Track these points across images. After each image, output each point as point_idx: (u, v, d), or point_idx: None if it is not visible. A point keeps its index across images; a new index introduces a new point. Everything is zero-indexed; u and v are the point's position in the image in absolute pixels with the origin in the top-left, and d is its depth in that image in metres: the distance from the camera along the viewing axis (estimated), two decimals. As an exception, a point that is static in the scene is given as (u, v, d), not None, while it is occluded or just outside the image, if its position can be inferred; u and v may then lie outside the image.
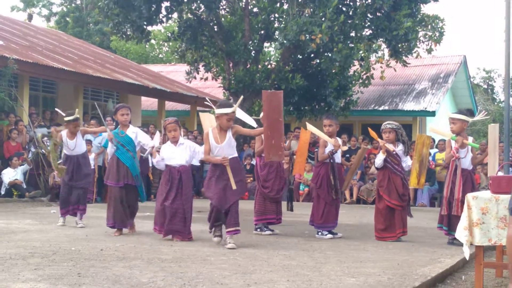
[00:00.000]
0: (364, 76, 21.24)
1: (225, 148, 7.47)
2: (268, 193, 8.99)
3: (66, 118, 9.39)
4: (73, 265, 5.84)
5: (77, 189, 9.49)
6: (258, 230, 9.03)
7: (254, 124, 8.92)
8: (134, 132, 8.72)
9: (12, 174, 14.30)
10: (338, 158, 8.93)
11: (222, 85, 20.67)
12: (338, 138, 9.07)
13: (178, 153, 8.14)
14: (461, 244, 5.65)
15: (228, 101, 7.55)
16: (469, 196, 5.49)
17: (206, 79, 21.80)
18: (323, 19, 17.30)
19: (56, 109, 11.74)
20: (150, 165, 16.07)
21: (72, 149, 9.42)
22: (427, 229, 10.11)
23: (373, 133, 9.23)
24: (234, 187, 7.38)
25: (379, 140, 8.83)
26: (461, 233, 5.47)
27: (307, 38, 17.13)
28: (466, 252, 5.44)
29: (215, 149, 7.47)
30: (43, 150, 12.37)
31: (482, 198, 5.34)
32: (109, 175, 8.64)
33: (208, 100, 9.22)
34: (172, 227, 7.99)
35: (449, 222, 8.09)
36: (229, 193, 7.44)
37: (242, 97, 9.20)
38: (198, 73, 21.52)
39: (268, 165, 9.03)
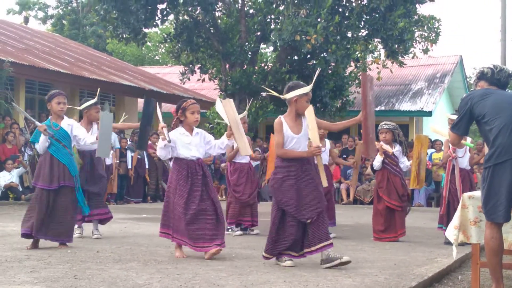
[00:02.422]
0: (361, 77, 21.23)
1: (302, 140, 6.25)
2: (240, 197, 9.01)
3: (86, 104, 8.31)
4: (69, 267, 5.81)
5: (92, 194, 8.28)
6: (229, 230, 9.02)
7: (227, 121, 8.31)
8: (69, 125, 7.41)
9: (8, 177, 14.28)
10: (325, 160, 8.94)
11: (218, 87, 20.66)
12: (327, 140, 9.10)
13: (195, 143, 6.77)
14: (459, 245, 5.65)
15: (297, 81, 6.53)
16: (465, 195, 5.49)
17: (203, 80, 21.80)
18: (318, 19, 17.30)
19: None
20: (147, 166, 16.10)
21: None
22: (424, 229, 10.12)
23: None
24: (325, 183, 6.16)
25: (376, 142, 8.85)
26: (450, 231, 5.49)
27: (303, 38, 17.14)
28: (454, 251, 5.47)
29: (291, 141, 6.18)
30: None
31: (479, 197, 5.33)
32: (40, 175, 7.28)
33: (267, 89, 7.21)
34: (204, 234, 6.50)
35: (449, 222, 8.10)
36: (311, 199, 6.08)
37: (319, 69, 7.69)
38: (193, 75, 21.52)
39: (239, 170, 9.05)
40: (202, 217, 6.51)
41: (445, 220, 8.28)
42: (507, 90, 5.28)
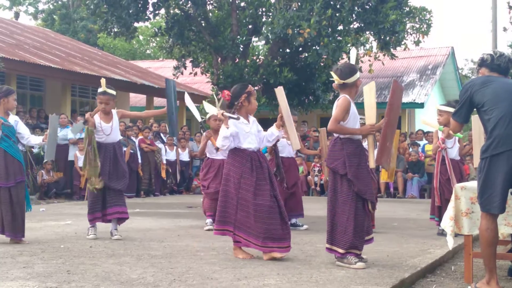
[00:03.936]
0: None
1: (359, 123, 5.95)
2: (206, 190, 8.75)
3: (99, 90, 7.66)
4: (62, 262, 5.81)
5: (113, 190, 7.61)
6: (209, 223, 8.86)
7: (198, 118, 8.44)
8: (16, 121, 7.27)
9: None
10: (289, 152, 8.91)
11: (210, 80, 20.64)
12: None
13: (253, 132, 6.20)
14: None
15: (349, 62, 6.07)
16: (457, 186, 5.52)
17: (195, 74, 21.78)
18: (311, 13, 17.29)
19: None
20: (140, 161, 16.06)
21: (108, 134, 7.55)
22: (417, 220, 10.14)
23: None
24: (372, 165, 5.77)
25: None
26: (446, 223, 5.51)
27: (295, 32, 17.14)
28: (450, 242, 5.49)
29: (357, 121, 5.90)
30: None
31: (471, 188, 5.36)
32: None
33: (333, 74, 6.10)
34: (273, 233, 5.95)
35: (441, 213, 8.12)
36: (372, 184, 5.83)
37: (354, 48, 7.13)
38: (185, 69, 21.49)
39: (209, 165, 8.81)
40: (272, 215, 5.96)
41: (437, 211, 8.31)
42: (509, 76, 5.24)
